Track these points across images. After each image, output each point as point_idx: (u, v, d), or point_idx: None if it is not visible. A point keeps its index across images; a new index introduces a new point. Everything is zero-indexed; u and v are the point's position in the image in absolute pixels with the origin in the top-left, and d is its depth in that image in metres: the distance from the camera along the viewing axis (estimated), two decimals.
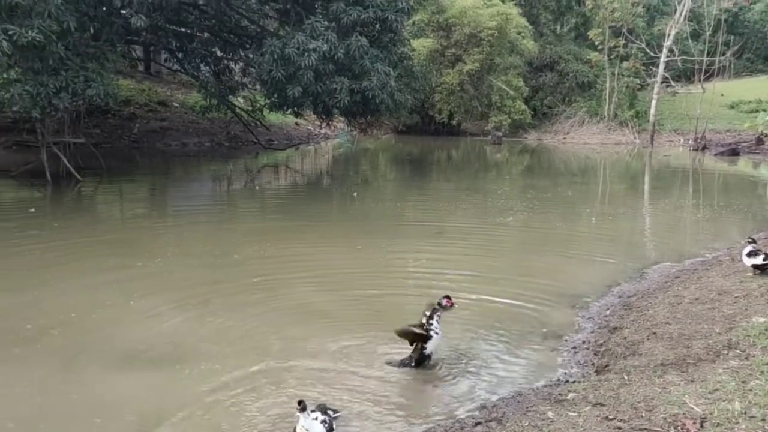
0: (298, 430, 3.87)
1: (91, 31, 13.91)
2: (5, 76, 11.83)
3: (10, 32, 10.78)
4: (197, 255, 9.03)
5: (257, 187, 16.61)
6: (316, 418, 3.91)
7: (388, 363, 5.26)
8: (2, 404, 4.58)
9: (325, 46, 13.94)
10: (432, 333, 5.10)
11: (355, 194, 15.54)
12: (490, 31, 32.11)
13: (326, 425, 3.93)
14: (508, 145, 32.88)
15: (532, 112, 36.00)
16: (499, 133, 33.58)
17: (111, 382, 4.92)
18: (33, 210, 11.86)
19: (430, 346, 5.12)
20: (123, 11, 13.52)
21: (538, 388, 4.81)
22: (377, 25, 16.19)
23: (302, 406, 3.78)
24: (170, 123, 24.65)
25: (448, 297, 5.33)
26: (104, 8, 13.61)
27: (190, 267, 8.33)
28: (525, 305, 6.89)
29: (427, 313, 5.20)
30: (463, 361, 5.41)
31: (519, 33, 34.64)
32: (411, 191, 16.78)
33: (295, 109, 17.18)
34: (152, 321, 6.22)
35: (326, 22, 14.41)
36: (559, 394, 4.49)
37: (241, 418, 4.40)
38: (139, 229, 10.96)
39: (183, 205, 13.71)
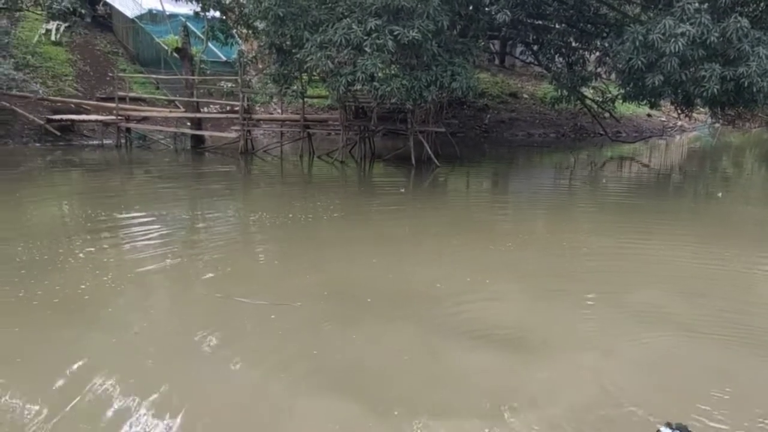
0: None
1: (459, 28, 15.11)
2: (387, 71, 13.57)
3: (395, 33, 12.39)
4: (543, 244, 9.21)
5: (603, 180, 16.08)
6: None
7: None
8: (385, 354, 5.39)
9: (696, 29, 12.60)
10: None
11: (719, 195, 13.87)
12: None
13: None
14: None
15: None
16: None
17: (463, 354, 5.37)
18: (403, 191, 13.60)
19: None
20: (489, 8, 14.37)
21: None
22: (762, 3, 13.97)
23: (672, 424, 3.60)
24: (518, 114, 25.44)
25: None
26: (472, 6, 14.66)
27: (538, 255, 8.54)
28: None
29: None
30: None
31: None
32: None
33: (652, 99, 16.01)
34: (499, 303, 6.57)
35: (698, 3, 12.98)
36: None
37: (587, 418, 4.37)
38: (485, 214, 11.67)
39: (525, 194, 14.10)
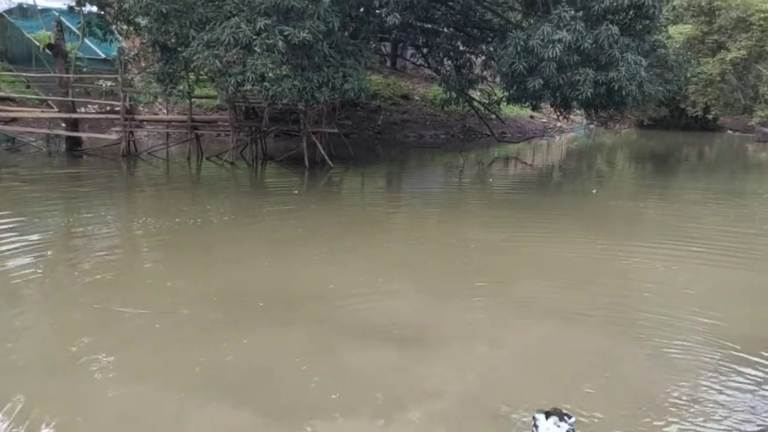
0: None
1: (350, 30, 15.16)
2: (278, 72, 13.35)
3: (286, 33, 12.21)
4: (435, 241, 9.41)
5: (490, 179, 16.72)
6: (558, 425, 3.83)
7: None
8: (277, 358, 5.26)
9: (571, 36, 13.42)
10: None
11: (594, 191, 14.83)
12: (763, 14, 28.12)
13: None
14: None
15: None
16: (767, 130, 29.32)
17: (357, 353, 5.37)
18: (296, 192, 13.43)
19: None
20: (379, 10, 14.53)
21: None
22: (631, 12, 15.12)
23: (548, 410, 3.75)
24: (410, 115, 25.95)
25: None
26: (363, 9, 14.76)
27: (431, 252, 8.71)
28: None
29: None
30: (718, 384, 4.87)
31: None
32: (652, 191, 15.52)
33: (533, 101, 16.90)
34: (395, 301, 6.63)
35: (574, 11, 13.84)
36: None
37: (472, 407, 4.48)
38: (379, 214, 11.77)
39: (418, 194, 14.37)
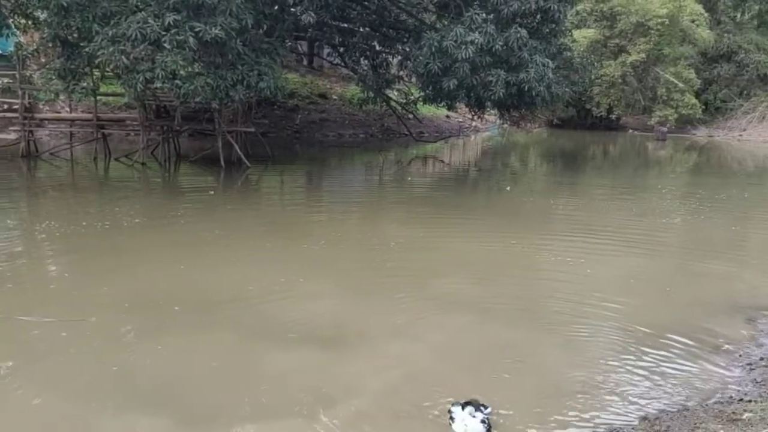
0: (456, 426, 3.94)
1: (265, 28, 14.94)
2: (189, 69, 12.97)
3: (197, 29, 11.87)
4: (355, 240, 9.42)
5: (409, 178, 16.94)
6: (474, 415, 3.94)
7: None
8: (195, 363, 5.10)
9: (483, 38, 13.82)
10: None
11: (508, 188, 15.34)
12: (659, 20, 30.02)
13: (485, 425, 3.96)
14: (673, 142, 30.58)
15: (703, 107, 33.18)
16: (664, 129, 31.34)
17: (279, 355, 5.30)
18: (212, 193, 13.07)
19: None
20: (294, 9, 14.40)
21: (707, 405, 4.47)
22: (538, 16, 15.75)
23: (464, 402, 3.86)
24: (329, 115, 25.87)
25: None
26: (277, 6, 14.57)
27: (351, 251, 8.72)
28: (691, 314, 6.40)
29: None
30: (621, 367, 5.16)
31: (693, 21, 32.04)
32: (563, 187, 16.23)
33: (449, 101, 17.28)
34: (316, 301, 6.59)
35: (485, 14, 14.26)
36: (733, 412, 4.14)
37: (393, 403, 4.53)
38: (299, 214, 11.67)
39: (338, 194, 14.36)
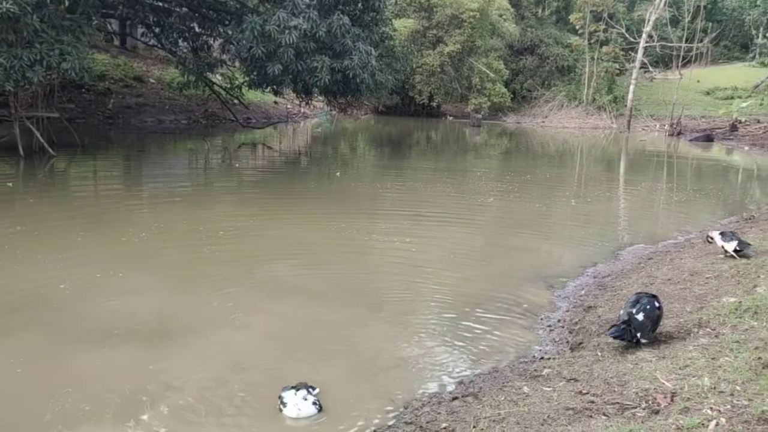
0: (289, 410, 3.95)
1: (66, 3, 13.57)
2: None
3: None
4: (180, 230, 8.99)
5: (237, 165, 16.50)
6: (306, 398, 3.97)
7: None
8: (2, 372, 4.55)
9: (306, 23, 13.81)
10: None
11: (338, 174, 15.54)
12: (472, 13, 32.09)
13: (316, 406, 4.01)
14: (487, 128, 33.04)
15: (512, 96, 36.21)
16: (479, 116, 33.70)
17: (95, 356, 4.91)
18: (10, 184, 11.65)
19: None
20: None
21: (514, 365, 4.92)
22: (359, 4, 16.08)
23: (294, 386, 3.87)
24: (146, 99, 24.27)
25: None
26: None
27: (175, 242, 8.30)
28: (503, 284, 7.00)
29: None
30: (440, 338, 5.50)
31: (501, 15, 34.73)
32: (390, 171, 16.83)
33: (275, 87, 17.06)
34: (136, 296, 6.19)
35: (308, 0, 14.26)
36: (535, 370, 4.61)
37: (219, 394, 4.42)
38: (116, 205, 10.85)
39: (160, 182, 13.57)
